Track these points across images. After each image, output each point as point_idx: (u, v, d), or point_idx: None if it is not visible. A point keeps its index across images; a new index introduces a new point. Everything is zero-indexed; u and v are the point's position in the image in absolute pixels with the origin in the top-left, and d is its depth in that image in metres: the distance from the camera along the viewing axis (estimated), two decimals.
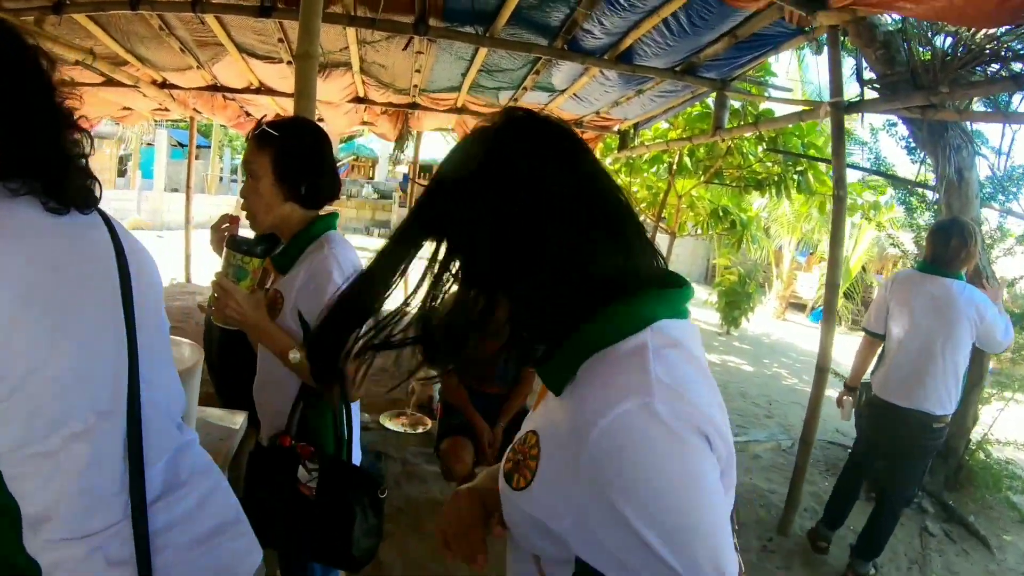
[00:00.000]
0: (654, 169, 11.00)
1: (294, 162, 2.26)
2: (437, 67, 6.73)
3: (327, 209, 2.46)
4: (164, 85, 8.26)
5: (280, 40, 6.15)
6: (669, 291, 1.10)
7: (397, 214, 21.48)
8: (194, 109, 9.47)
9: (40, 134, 1.22)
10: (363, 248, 17.20)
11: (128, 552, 1.24)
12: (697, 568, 0.91)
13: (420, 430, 5.38)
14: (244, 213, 2.38)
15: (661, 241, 10.31)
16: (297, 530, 2.25)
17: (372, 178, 27.50)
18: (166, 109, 9.85)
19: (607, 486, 0.93)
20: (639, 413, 0.93)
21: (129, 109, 9.91)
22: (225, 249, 2.23)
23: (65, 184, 1.24)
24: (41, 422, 1.16)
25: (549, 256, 1.02)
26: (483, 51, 6.02)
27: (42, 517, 1.19)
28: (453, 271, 1.07)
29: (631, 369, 0.98)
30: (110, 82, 8.03)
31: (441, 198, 1.08)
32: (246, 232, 2.37)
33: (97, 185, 1.35)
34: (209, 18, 5.81)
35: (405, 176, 21.54)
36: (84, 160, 1.33)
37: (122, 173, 25.99)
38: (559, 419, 1.07)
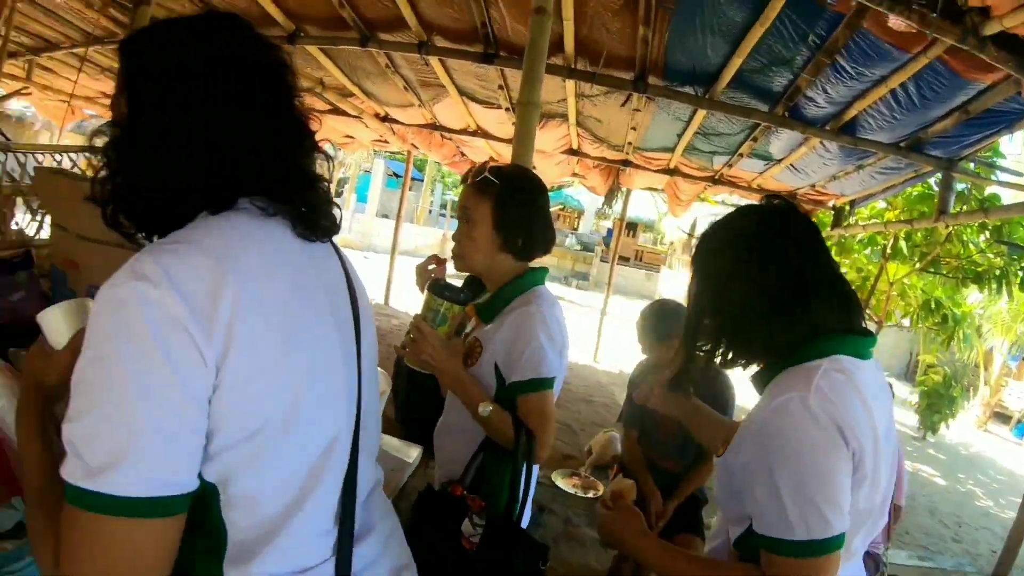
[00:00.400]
0: (867, 251, 10.34)
1: (514, 213, 2.19)
2: (653, 126, 6.57)
3: (538, 262, 2.36)
4: (386, 119, 8.57)
5: (500, 87, 6.22)
6: (853, 336, 1.56)
7: (597, 267, 21.42)
8: (412, 144, 9.76)
9: (289, 153, 1.18)
10: (560, 297, 17.36)
11: None
12: (803, 521, 1.36)
13: (591, 494, 5.18)
14: (451, 253, 2.32)
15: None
16: None
17: (576, 229, 27.72)
18: (385, 141, 10.22)
19: (765, 450, 1.42)
20: (795, 402, 1.40)
21: (351, 137, 10.40)
22: (427, 292, 2.15)
23: (318, 212, 1.22)
24: (297, 450, 1.10)
25: (787, 312, 1.53)
26: (701, 113, 5.82)
27: (250, 549, 1.08)
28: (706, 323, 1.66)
29: (802, 377, 1.45)
30: (336, 111, 8.45)
31: (714, 268, 1.64)
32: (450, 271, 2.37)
33: (339, 213, 1.31)
34: (433, 60, 5.96)
35: (609, 231, 21.49)
36: (327, 185, 1.29)
37: (338, 194, 27.31)
38: (753, 410, 1.55)
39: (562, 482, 5.24)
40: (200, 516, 1.03)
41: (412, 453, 2.92)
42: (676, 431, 3.67)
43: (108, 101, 7.44)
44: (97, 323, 0.94)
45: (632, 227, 26.81)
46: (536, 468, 2.30)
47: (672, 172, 8.08)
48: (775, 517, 1.40)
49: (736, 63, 4.67)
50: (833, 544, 1.38)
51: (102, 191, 1.10)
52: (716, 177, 7.78)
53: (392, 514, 1.44)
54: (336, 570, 1.15)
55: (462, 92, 6.80)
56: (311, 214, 1.19)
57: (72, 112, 11.92)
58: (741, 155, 6.71)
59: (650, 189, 9.94)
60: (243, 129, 1.11)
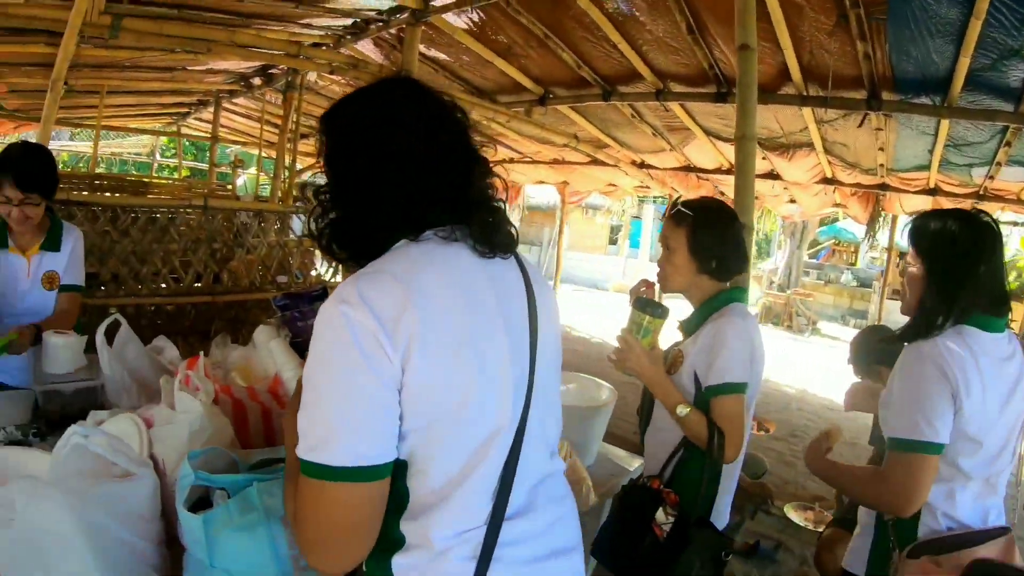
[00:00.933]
0: None
1: (706, 240, 2.54)
2: (900, 144, 6.43)
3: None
4: (642, 165, 8.94)
5: None
6: (985, 316, 2.12)
7: (875, 304, 19.94)
8: (671, 187, 9.94)
9: (464, 182, 1.43)
10: (835, 337, 16.76)
11: (474, 554, 1.36)
12: (907, 426, 2.05)
13: (822, 528, 5.07)
14: (656, 277, 2.70)
15: None
16: (641, 563, 2.42)
17: (854, 264, 26.13)
18: (647, 186, 10.57)
19: (894, 377, 2.15)
20: (929, 345, 2.07)
21: (614, 185, 10.91)
22: (632, 309, 2.56)
23: (492, 231, 1.45)
24: (467, 433, 1.36)
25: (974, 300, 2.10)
26: (945, 123, 5.59)
27: (425, 509, 1.36)
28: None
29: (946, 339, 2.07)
30: (595, 161, 8.94)
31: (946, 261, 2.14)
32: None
33: (515, 231, 1.54)
34: (673, 106, 6.30)
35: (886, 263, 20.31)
36: (503, 205, 1.53)
37: (613, 242, 27.94)
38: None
39: (794, 514, 5.15)
40: (394, 484, 1.35)
41: (633, 464, 3.26)
42: None
43: None
44: (316, 335, 1.29)
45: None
46: (734, 468, 2.63)
47: (934, 192, 7.66)
48: (892, 422, 2.09)
49: (964, 63, 4.52)
50: (929, 448, 2.00)
51: (318, 228, 1.45)
52: (981, 192, 7.27)
53: (565, 503, 1.61)
54: (485, 536, 1.37)
55: (708, 132, 7.02)
56: (485, 233, 1.43)
57: None
58: (999, 164, 6.26)
59: (915, 213, 9.51)
60: (420, 169, 1.39)
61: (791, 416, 8.98)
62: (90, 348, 2.82)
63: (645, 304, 2.53)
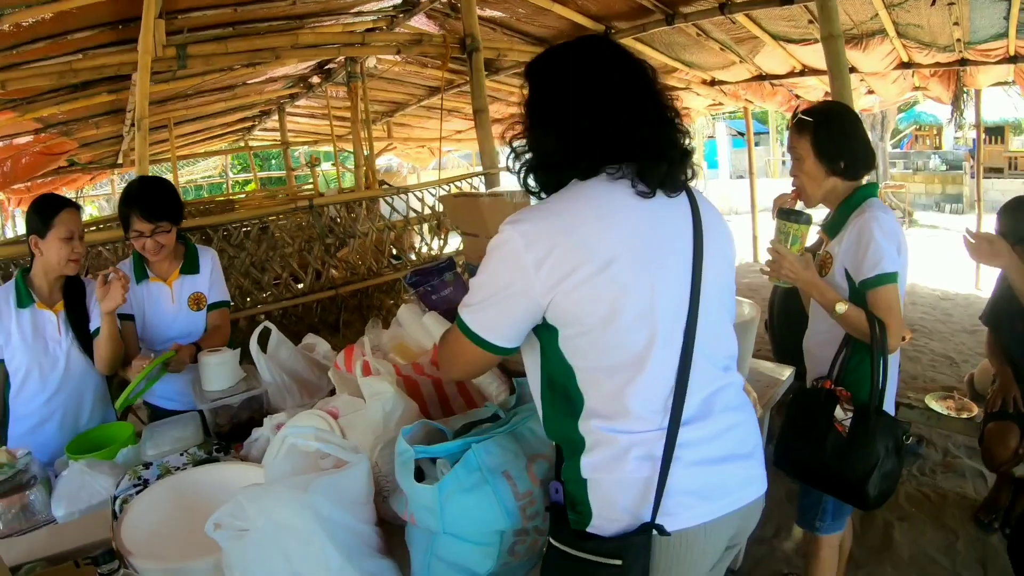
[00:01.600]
0: None
1: (830, 143, 2.63)
2: (975, 15, 6.23)
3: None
4: (713, 83, 8.97)
5: (810, 21, 6.28)
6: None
7: (969, 186, 18.98)
8: (746, 100, 10.04)
9: (641, 128, 1.58)
10: (933, 226, 16.47)
11: (654, 454, 1.51)
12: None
13: (964, 415, 5.00)
14: (792, 188, 2.79)
15: None
16: (824, 463, 2.54)
17: (939, 147, 24.98)
18: (720, 104, 10.62)
19: None
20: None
21: (687, 108, 10.80)
22: (777, 220, 2.66)
23: (653, 171, 1.58)
24: (619, 344, 1.54)
25: None
26: None
27: (598, 412, 1.56)
28: None
29: None
30: (665, 88, 8.69)
31: None
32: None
33: (691, 172, 1.70)
34: (739, 16, 6.27)
35: (975, 142, 19.44)
36: (681, 152, 1.66)
37: None
38: None
39: (935, 404, 5.05)
40: (566, 389, 1.62)
41: (784, 373, 3.43)
42: None
43: (459, 137, 8.40)
44: (489, 247, 1.60)
45: (998, 132, 23.30)
46: (895, 359, 2.67)
47: (1015, 59, 7.31)
48: None
49: None
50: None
51: (517, 170, 1.71)
52: None
53: (742, 411, 1.71)
54: (665, 439, 1.52)
55: (776, 37, 6.97)
56: (647, 173, 1.58)
57: (432, 153, 13.66)
58: None
59: (1000, 84, 9.17)
60: (601, 114, 1.57)
61: (905, 311, 8.87)
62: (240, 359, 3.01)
63: (788, 213, 2.63)
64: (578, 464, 1.59)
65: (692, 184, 1.72)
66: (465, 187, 6.15)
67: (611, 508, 1.55)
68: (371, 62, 8.14)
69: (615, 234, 1.53)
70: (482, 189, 5.98)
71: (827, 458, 2.52)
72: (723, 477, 1.61)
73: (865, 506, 2.54)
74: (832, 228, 2.73)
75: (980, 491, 4.47)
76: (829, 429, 2.53)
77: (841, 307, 2.49)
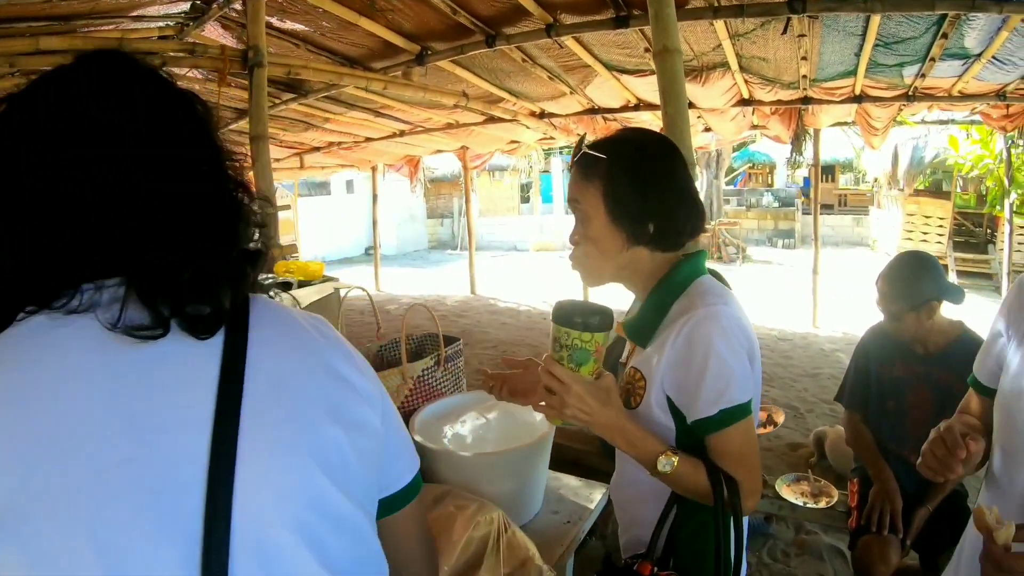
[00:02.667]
0: None
1: (632, 192, 1.61)
2: (825, 50, 5.94)
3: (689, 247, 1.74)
4: (542, 115, 8.44)
5: (646, 50, 5.79)
6: None
7: (800, 222, 20.50)
8: (577, 134, 9.44)
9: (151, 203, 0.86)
10: (767, 261, 16.63)
11: None
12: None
13: (823, 504, 4.52)
14: (571, 263, 1.74)
15: None
16: None
17: (772, 185, 26.87)
18: (551, 137, 10.14)
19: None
20: None
21: (516, 142, 10.50)
22: (553, 324, 1.55)
23: (161, 287, 0.84)
24: None
25: None
26: (875, 19, 5.00)
27: None
28: None
29: None
30: (491, 119, 8.43)
31: None
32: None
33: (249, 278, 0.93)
34: (568, 41, 5.71)
35: (806, 180, 20.38)
36: (241, 256, 0.94)
37: (525, 200, 27.56)
38: None
39: (787, 492, 4.61)
40: None
41: (595, 496, 2.47)
42: (929, 417, 2.92)
43: (275, 166, 7.44)
44: None
45: (829, 170, 25.70)
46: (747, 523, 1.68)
47: (860, 99, 7.28)
48: None
49: None
50: None
51: None
52: (910, 93, 6.93)
53: None
54: None
55: (609, 67, 6.50)
56: (147, 291, 0.85)
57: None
58: (933, 60, 5.84)
59: (840, 124, 9.25)
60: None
61: None
62: None
63: (570, 313, 1.51)
64: None
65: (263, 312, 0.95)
66: None
67: None
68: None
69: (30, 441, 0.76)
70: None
71: None
72: None
73: None
74: (642, 329, 1.68)
75: (841, 572, 4.00)
76: None
77: (665, 463, 1.51)
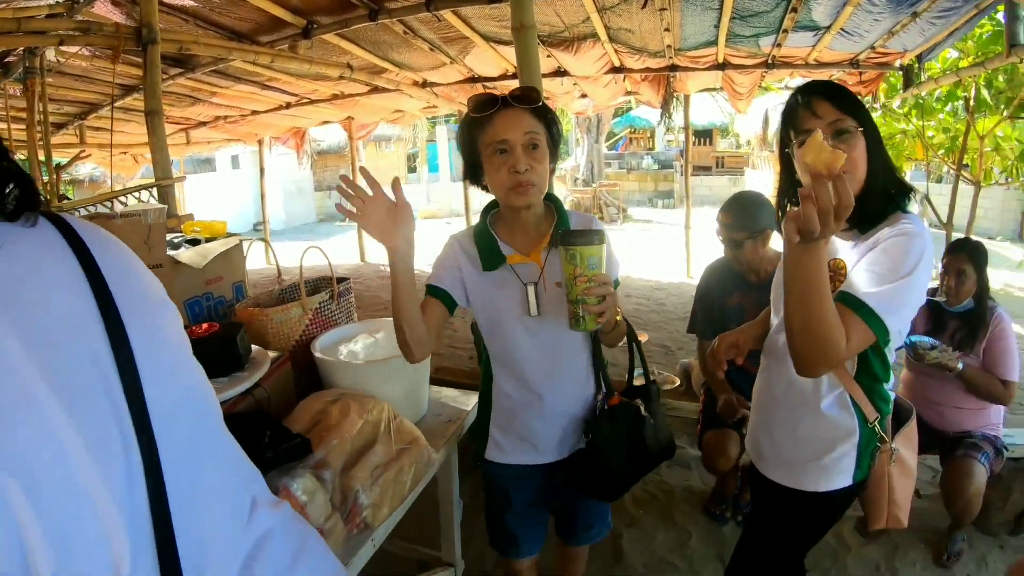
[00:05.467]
0: (949, 108, 9.28)
1: (557, 137, 2.16)
2: (686, 22, 6.27)
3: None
4: (425, 84, 8.58)
5: None
6: None
7: (679, 183, 20.99)
8: (460, 103, 9.72)
9: None
10: (647, 220, 17.41)
11: None
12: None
13: (667, 387, 5.03)
14: (522, 186, 2.06)
15: (965, 192, 8.79)
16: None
17: (652, 149, 27.25)
18: (434, 106, 10.28)
19: None
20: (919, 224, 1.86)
21: (401, 111, 10.61)
22: (573, 248, 1.88)
23: None
24: None
25: None
26: None
27: None
28: None
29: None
30: (375, 89, 8.50)
31: None
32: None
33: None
34: (447, 14, 5.88)
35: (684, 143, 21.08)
36: None
37: (412, 170, 27.51)
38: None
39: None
40: None
41: (470, 401, 2.98)
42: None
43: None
44: None
45: (707, 134, 26.29)
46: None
47: (723, 67, 7.72)
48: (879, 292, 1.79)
49: None
50: None
51: None
52: (769, 61, 7.38)
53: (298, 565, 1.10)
54: None
55: (487, 38, 6.70)
56: None
57: (136, 161, 12.36)
58: (786, 31, 6.26)
59: (708, 90, 9.66)
60: None
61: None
62: None
63: (584, 235, 1.88)
64: None
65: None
66: (133, 201, 5.30)
67: None
68: (51, 55, 6.97)
69: None
70: (154, 203, 5.14)
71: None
72: None
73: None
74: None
75: (707, 480, 4.41)
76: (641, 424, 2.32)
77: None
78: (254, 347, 2.52)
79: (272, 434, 1.89)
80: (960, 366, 3.39)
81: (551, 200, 2.25)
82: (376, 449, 2.13)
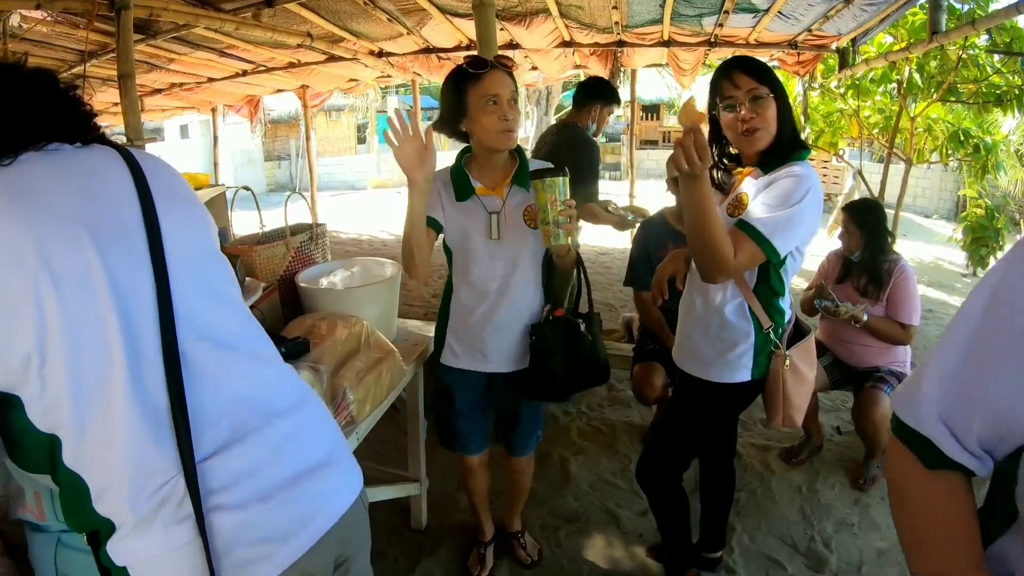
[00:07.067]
0: (882, 89, 9.90)
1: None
2: (633, 1, 6.57)
3: None
4: (381, 54, 8.70)
5: None
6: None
7: (626, 156, 21.28)
8: (414, 72, 9.89)
9: None
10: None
11: (183, 513, 1.17)
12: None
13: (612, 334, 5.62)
14: (510, 135, 2.60)
15: (896, 170, 9.24)
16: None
17: None
18: (388, 76, 10.44)
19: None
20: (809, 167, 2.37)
21: (355, 80, 10.69)
22: (545, 180, 2.44)
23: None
24: (66, 388, 1.15)
25: None
26: None
27: (101, 485, 1.17)
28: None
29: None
30: (332, 58, 8.63)
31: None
32: None
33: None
34: None
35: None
36: None
37: (361, 141, 27.50)
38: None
39: None
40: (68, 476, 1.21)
41: (431, 330, 3.41)
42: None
43: (118, 111, 7.39)
44: None
45: (654, 109, 26.56)
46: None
47: (668, 44, 8.01)
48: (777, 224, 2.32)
49: None
50: None
51: None
52: (712, 40, 7.71)
53: (301, 412, 1.43)
54: (187, 486, 1.17)
55: (443, 10, 6.89)
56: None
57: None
58: (727, 12, 6.58)
59: (654, 66, 9.84)
60: None
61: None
62: None
63: (552, 170, 2.49)
64: (107, 554, 1.19)
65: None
66: None
67: None
68: (15, 20, 7.04)
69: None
70: None
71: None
72: (296, 504, 1.32)
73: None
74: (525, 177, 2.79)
75: (646, 417, 5.06)
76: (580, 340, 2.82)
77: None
78: (247, 278, 2.87)
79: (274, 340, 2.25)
80: (865, 318, 3.86)
81: (516, 148, 2.69)
82: (360, 356, 2.57)
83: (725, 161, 2.69)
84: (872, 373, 4.12)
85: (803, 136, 2.55)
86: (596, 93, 4.99)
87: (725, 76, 2.46)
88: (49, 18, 6.39)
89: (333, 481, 1.41)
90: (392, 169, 22.42)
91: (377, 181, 22.41)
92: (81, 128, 1.39)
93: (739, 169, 2.63)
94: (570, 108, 5.08)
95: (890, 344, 4.10)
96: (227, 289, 1.46)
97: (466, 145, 2.78)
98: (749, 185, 2.51)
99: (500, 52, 4.90)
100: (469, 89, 2.55)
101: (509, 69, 2.60)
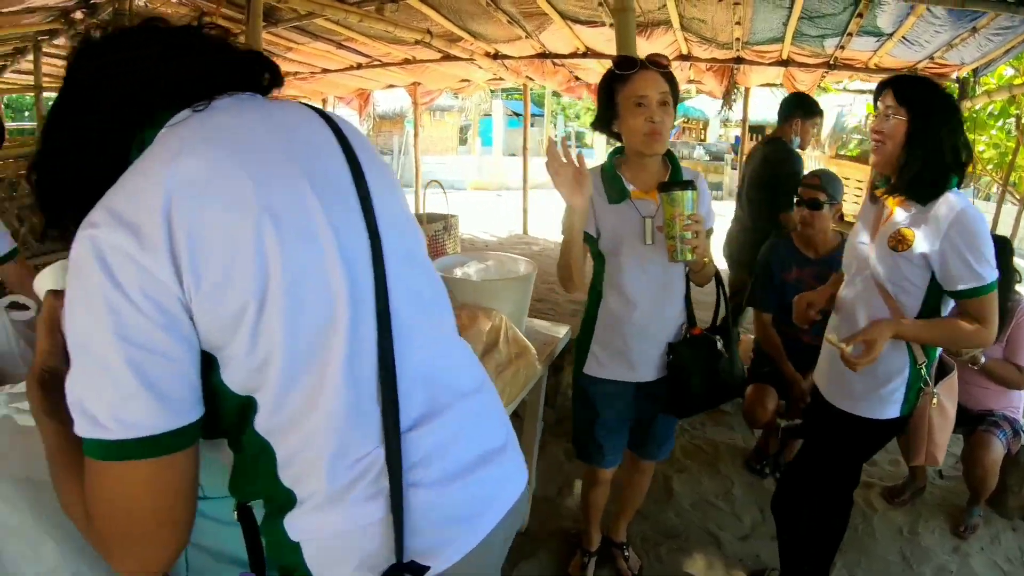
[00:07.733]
0: (1000, 124, 9.52)
1: (678, 94, 2.60)
2: (757, 18, 6.44)
3: None
4: (496, 56, 8.72)
5: (600, 4, 6.26)
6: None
7: (729, 176, 20.94)
8: (527, 76, 9.94)
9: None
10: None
11: (378, 487, 1.10)
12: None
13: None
14: (656, 138, 2.52)
15: (1008, 212, 8.81)
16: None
17: (704, 140, 27.09)
18: (500, 78, 10.45)
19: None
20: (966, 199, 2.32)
21: (467, 81, 10.70)
22: (673, 193, 2.36)
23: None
24: (283, 339, 1.05)
25: None
26: None
27: (293, 454, 1.10)
28: None
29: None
30: (447, 57, 8.66)
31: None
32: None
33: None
34: None
35: (737, 138, 20.87)
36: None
37: (463, 142, 27.71)
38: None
39: None
40: (252, 438, 1.11)
41: (560, 331, 3.47)
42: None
43: None
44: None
45: (760, 130, 26.08)
46: None
47: (786, 63, 7.81)
48: (964, 271, 2.28)
49: None
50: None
51: None
52: (831, 62, 7.51)
53: (481, 394, 1.36)
54: (386, 459, 1.11)
55: (564, 16, 6.86)
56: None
57: None
58: (851, 35, 6.41)
59: (768, 85, 9.69)
60: None
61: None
62: None
63: (680, 184, 2.40)
64: (281, 525, 1.11)
65: None
66: None
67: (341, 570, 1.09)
68: (141, 0, 7.17)
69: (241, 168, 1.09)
70: None
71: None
72: (485, 484, 1.25)
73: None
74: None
75: (748, 441, 4.92)
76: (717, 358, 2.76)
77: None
78: None
79: None
80: (983, 360, 3.69)
81: (667, 153, 2.65)
82: (500, 348, 2.61)
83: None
84: (986, 416, 3.92)
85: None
86: (794, 106, 5.11)
87: (880, 87, 2.49)
88: (180, 1, 6.53)
89: (507, 467, 1.34)
90: (493, 172, 22.55)
91: (477, 183, 22.52)
92: (266, 82, 1.32)
93: (881, 190, 2.56)
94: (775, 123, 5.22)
95: (1005, 388, 3.90)
96: (423, 254, 1.41)
97: (618, 145, 2.75)
98: (903, 217, 2.44)
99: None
100: (618, 90, 2.53)
101: (665, 68, 2.54)
